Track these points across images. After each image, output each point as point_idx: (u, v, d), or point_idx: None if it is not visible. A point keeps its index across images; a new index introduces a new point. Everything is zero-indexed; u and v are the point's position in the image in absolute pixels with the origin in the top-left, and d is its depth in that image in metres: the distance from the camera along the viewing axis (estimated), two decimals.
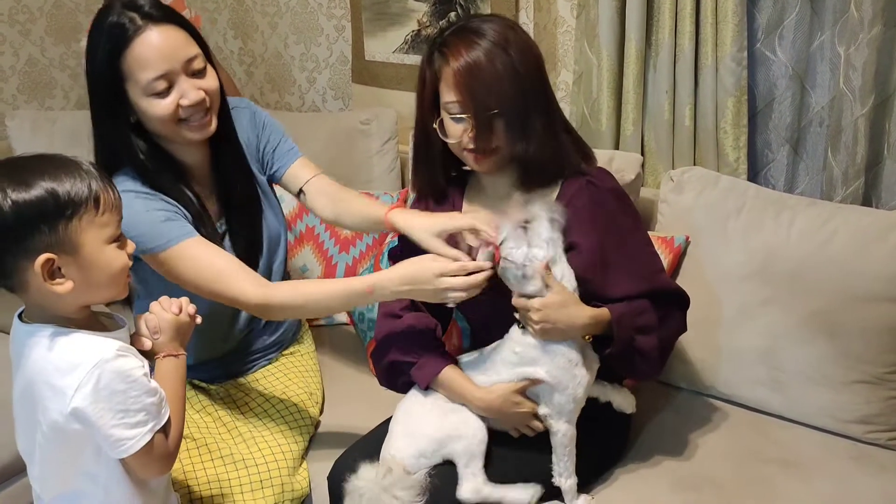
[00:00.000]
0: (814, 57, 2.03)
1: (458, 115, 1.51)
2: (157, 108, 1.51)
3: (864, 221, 1.71)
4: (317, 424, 1.83)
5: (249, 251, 1.72)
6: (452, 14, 2.46)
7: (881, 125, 1.92)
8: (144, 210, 1.54)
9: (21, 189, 1.14)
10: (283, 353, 1.92)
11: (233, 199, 1.71)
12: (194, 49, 1.54)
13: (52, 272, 1.17)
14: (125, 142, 1.57)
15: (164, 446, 1.26)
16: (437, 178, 1.66)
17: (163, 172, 1.60)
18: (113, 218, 1.23)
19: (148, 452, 1.23)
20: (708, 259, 1.84)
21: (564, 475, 1.51)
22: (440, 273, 1.43)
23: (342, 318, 2.26)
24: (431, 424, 1.54)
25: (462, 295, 1.42)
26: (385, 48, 2.64)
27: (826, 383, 1.70)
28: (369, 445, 1.61)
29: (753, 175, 2.15)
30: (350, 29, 2.73)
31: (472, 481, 1.49)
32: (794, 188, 2.14)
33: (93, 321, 1.28)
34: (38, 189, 1.15)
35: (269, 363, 1.87)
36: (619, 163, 1.98)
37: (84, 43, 1.56)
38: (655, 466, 1.64)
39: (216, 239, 1.64)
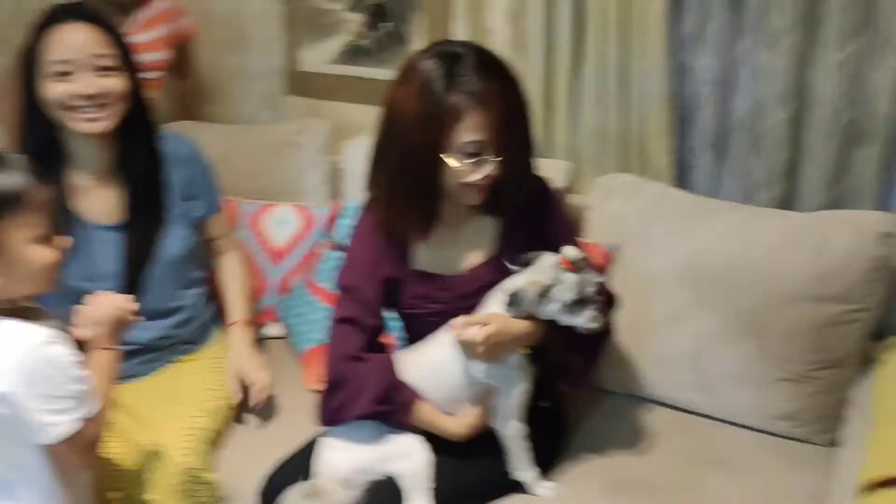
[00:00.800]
0: (736, 64, 2.08)
1: (478, 154, 1.48)
2: (50, 91, 1.65)
3: (785, 223, 1.76)
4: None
5: (140, 253, 1.79)
6: (386, 24, 2.46)
7: (801, 130, 1.97)
8: None
9: None
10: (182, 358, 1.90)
11: (136, 200, 1.80)
12: (107, 50, 1.67)
13: None
14: (23, 120, 1.71)
15: (92, 436, 1.28)
16: (432, 213, 1.58)
17: (45, 155, 1.70)
18: (37, 218, 1.24)
19: (74, 440, 1.24)
20: (636, 264, 1.87)
21: (523, 468, 1.56)
22: None
23: (277, 331, 2.23)
24: (374, 439, 1.54)
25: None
26: (319, 59, 2.63)
27: (752, 383, 1.75)
28: (301, 459, 1.59)
29: (680, 180, 2.19)
30: (283, 40, 2.71)
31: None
32: (717, 192, 2.17)
33: (20, 311, 1.28)
34: None
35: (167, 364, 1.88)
36: (547, 171, 2.00)
37: None
38: (587, 470, 1.66)
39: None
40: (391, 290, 1.63)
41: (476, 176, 1.50)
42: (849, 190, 1.95)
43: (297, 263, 2.21)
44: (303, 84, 2.71)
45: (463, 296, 1.59)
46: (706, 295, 1.77)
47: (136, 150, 1.79)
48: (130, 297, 1.40)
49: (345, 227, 2.10)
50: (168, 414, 1.71)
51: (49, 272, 1.28)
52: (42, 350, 1.21)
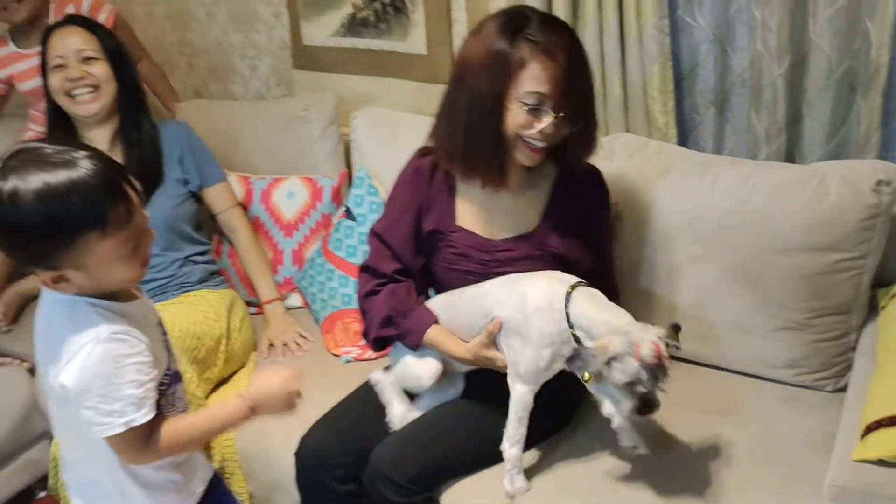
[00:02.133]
0: (732, 21, 2.10)
1: (538, 107, 1.54)
2: (52, 81, 2.07)
3: (782, 176, 1.80)
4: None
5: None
6: None
7: (799, 84, 2.00)
8: None
9: (25, 201, 1.10)
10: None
11: (136, 162, 2.09)
12: (89, 46, 2.07)
13: (56, 280, 1.17)
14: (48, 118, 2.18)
15: (140, 443, 1.23)
16: (498, 161, 1.62)
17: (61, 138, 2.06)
18: (122, 236, 1.16)
19: (119, 444, 1.22)
20: (639, 221, 1.92)
21: (509, 441, 1.56)
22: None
23: (296, 301, 2.31)
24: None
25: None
26: (322, 32, 2.67)
27: (753, 332, 1.80)
28: (334, 421, 1.68)
29: (683, 138, 2.23)
30: (287, 15, 2.75)
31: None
32: (721, 149, 2.22)
33: (117, 292, 1.25)
34: (38, 215, 1.11)
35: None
36: None
37: None
38: (599, 421, 1.72)
39: None
40: (432, 243, 1.70)
41: (534, 130, 1.55)
42: (850, 141, 1.97)
43: (308, 234, 2.28)
44: (308, 58, 2.75)
45: (498, 262, 1.66)
46: (706, 248, 1.82)
47: (133, 123, 2.13)
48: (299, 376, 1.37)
49: (356, 197, 2.16)
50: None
51: (133, 283, 1.26)
52: (104, 346, 1.18)
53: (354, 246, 2.11)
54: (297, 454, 1.65)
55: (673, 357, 1.86)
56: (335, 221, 2.21)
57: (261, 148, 2.44)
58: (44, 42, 2.08)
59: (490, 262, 1.67)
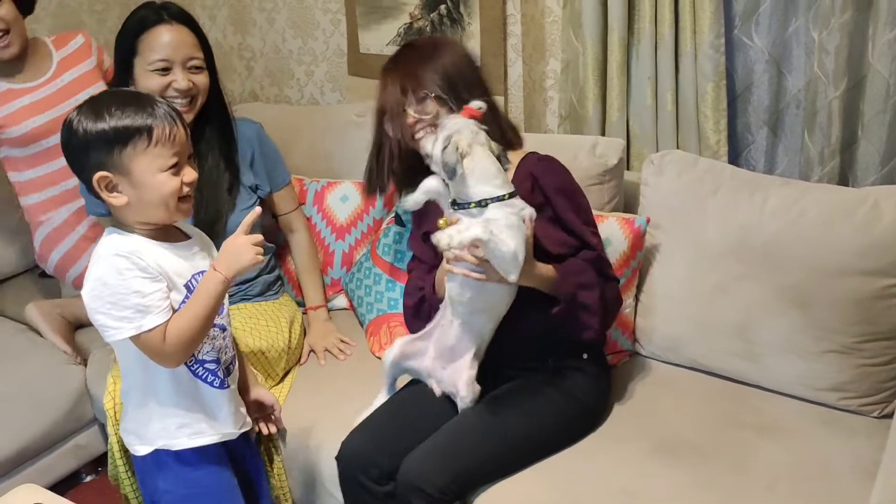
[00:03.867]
0: (789, 42, 2.11)
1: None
2: (151, 83, 1.92)
3: (833, 199, 1.79)
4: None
5: (208, 215, 1.98)
6: (442, 7, 2.54)
7: (855, 106, 1.99)
8: None
9: (90, 119, 1.38)
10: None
11: (210, 173, 2.01)
12: (197, 52, 1.96)
13: (109, 187, 1.40)
14: None
15: (157, 345, 1.40)
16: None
17: None
18: (166, 150, 1.40)
19: (141, 347, 1.41)
20: (687, 238, 1.92)
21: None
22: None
23: (342, 303, 2.35)
24: None
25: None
26: (379, 41, 2.72)
27: (799, 353, 1.79)
28: (373, 424, 1.71)
29: (734, 157, 2.23)
30: (345, 22, 2.81)
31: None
32: (773, 169, 2.22)
33: (163, 233, 1.48)
34: (103, 121, 1.37)
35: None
36: (601, 148, 2.06)
37: None
38: (637, 432, 1.74)
39: None
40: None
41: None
42: None
43: (359, 238, 2.32)
44: (363, 65, 2.80)
45: None
46: (754, 268, 1.82)
47: (212, 133, 2.05)
48: (260, 238, 1.48)
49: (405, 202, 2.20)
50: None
51: (173, 199, 1.42)
52: (111, 260, 1.38)
53: (402, 251, 2.15)
54: (338, 457, 1.69)
55: (717, 376, 1.89)
56: (384, 227, 2.25)
57: (315, 151, 2.49)
58: (137, 32, 1.93)
59: None
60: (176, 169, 1.42)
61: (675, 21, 2.11)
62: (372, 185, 1.91)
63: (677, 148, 2.20)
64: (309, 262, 2.25)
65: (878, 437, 1.66)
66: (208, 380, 1.52)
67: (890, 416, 1.74)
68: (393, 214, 2.24)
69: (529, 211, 1.55)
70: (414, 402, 1.74)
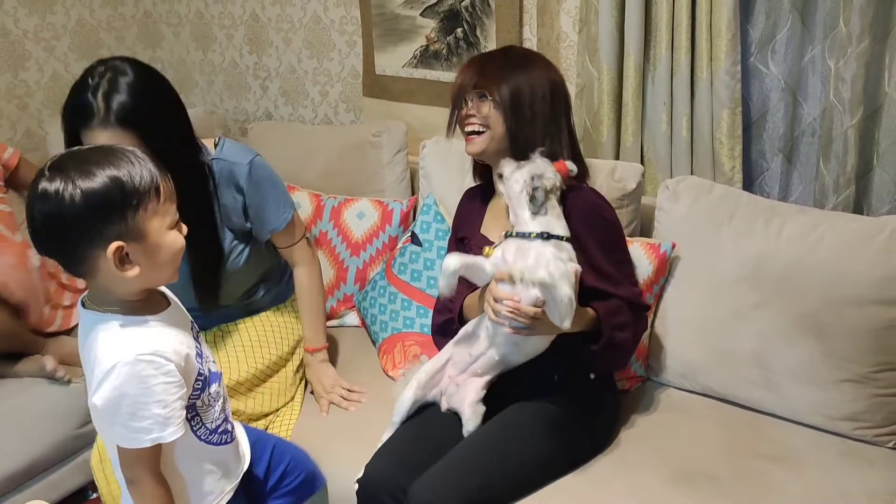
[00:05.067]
0: (805, 70, 2.12)
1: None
2: None
3: (850, 227, 1.79)
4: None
5: (204, 269, 1.89)
6: (459, 30, 2.56)
7: (871, 135, 2.00)
8: None
9: (88, 180, 1.21)
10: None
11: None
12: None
13: (122, 258, 1.25)
14: None
15: (150, 460, 1.31)
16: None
17: None
18: (171, 206, 1.31)
19: (133, 454, 1.30)
20: (702, 264, 1.92)
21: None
22: None
23: (354, 320, 2.35)
24: None
25: None
26: (395, 63, 2.74)
27: (815, 382, 1.78)
28: (401, 448, 1.69)
29: (749, 184, 2.23)
30: (361, 44, 2.83)
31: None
32: (788, 196, 2.22)
33: (150, 302, 1.36)
34: (105, 180, 1.22)
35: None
36: (620, 172, 2.07)
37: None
38: (651, 459, 1.72)
39: None
40: (462, 249, 1.85)
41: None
42: None
43: (373, 255, 2.33)
44: (378, 87, 2.82)
45: None
46: (770, 296, 1.81)
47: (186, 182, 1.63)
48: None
49: (423, 223, 2.21)
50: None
51: (179, 256, 1.34)
52: (130, 367, 1.25)
53: (419, 271, 2.15)
54: (361, 481, 1.66)
55: (732, 403, 1.88)
56: (400, 245, 2.25)
57: (330, 169, 2.51)
58: (77, 126, 1.69)
59: None
60: (178, 224, 1.34)
61: (691, 47, 2.12)
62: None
63: (692, 174, 2.20)
64: (308, 300, 2.06)
65: (893, 468, 1.66)
66: (222, 442, 1.46)
67: None
68: (409, 234, 2.25)
69: (577, 266, 1.58)
70: (435, 423, 1.72)
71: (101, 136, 1.65)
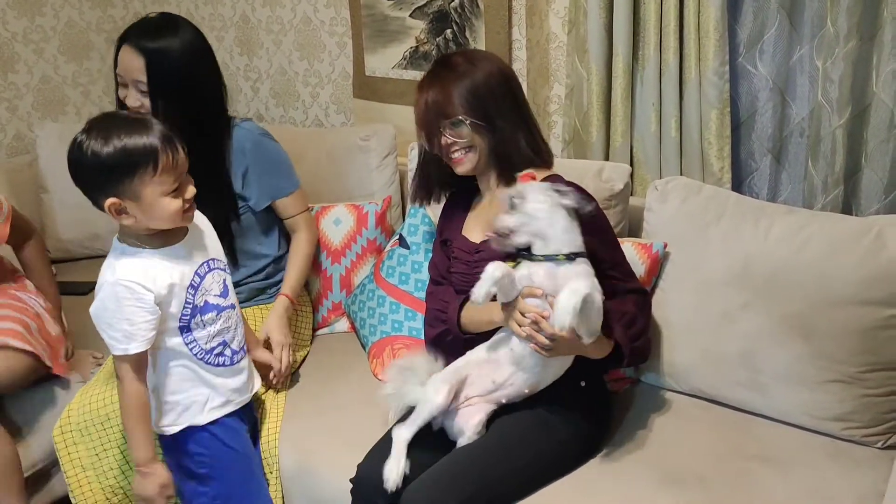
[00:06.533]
0: (793, 70, 2.12)
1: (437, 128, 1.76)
2: (120, 92, 2.03)
3: (838, 228, 1.79)
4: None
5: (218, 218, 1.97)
6: (448, 31, 2.56)
7: (859, 135, 2.00)
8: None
9: (100, 143, 1.51)
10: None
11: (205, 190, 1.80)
12: (143, 76, 1.95)
13: (119, 210, 1.55)
14: None
15: (127, 373, 1.61)
16: (443, 184, 1.93)
17: None
18: (169, 177, 1.56)
19: (116, 363, 1.63)
20: (690, 265, 1.92)
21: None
22: None
23: (344, 326, 2.35)
24: None
25: None
26: (385, 64, 2.74)
27: (803, 383, 1.78)
28: (388, 446, 1.67)
29: (738, 184, 2.24)
30: (351, 46, 2.83)
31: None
32: (776, 197, 2.22)
33: (164, 236, 1.64)
34: (112, 149, 1.51)
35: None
36: (608, 173, 2.07)
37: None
38: (641, 461, 1.73)
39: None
40: (446, 251, 1.89)
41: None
42: None
43: (354, 259, 2.32)
44: (368, 88, 2.82)
45: (476, 263, 1.76)
46: (758, 296, 1.81)
47: (205, 148, 1.99)
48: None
49: (410, 226, 2.21)
50: None
51: (177, 215, 1.59)
52: (112, 287, 1.57)
53: (407, 274, 2.15)
54: (354, 480, 1.67)
55: (721, 404, 1.88)
56: (388, 249, 2.25)
57: (319, 174, 2.50)
58: (118, 46, 2.00)
59: (470, 262, 1.80)
60: (178, 191, 1.58)
61: (679, 48, 2.12)
62: (420, 197, 1.95)
63: (681, 174, 2.20)
64: (298, 253, 2.18)
65: (881, 469, 1.65)
66: (218, 364, 1.72)
67: (893, 447, 1.73)
68: (396, 237, 2.25)
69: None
70: (428, 424, 1.71)
71: (123, 50, 1.97)
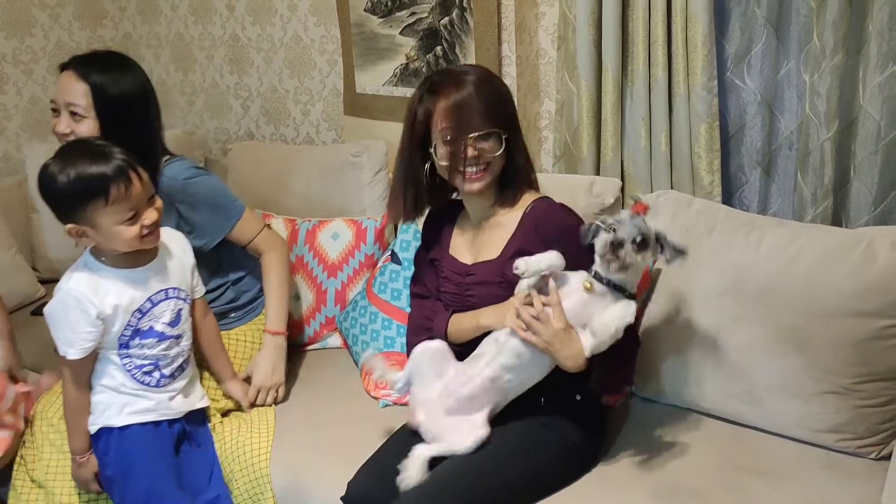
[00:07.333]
0: (781, 84, 2.14)
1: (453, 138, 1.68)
2: (53, 121, 1.98)
3: (828, 240, 1.79)
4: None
5: None
6: (438, 48, 2.57)
7: (847, 148, 2.01)
8: None
9: (64, 174, 1.62)
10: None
11: None
12: (79, 99, 1.91)
13: (79, 234, 1.67)
14: None
15: (67, 375, 1.75)
16: (422, 202, 1.84)
17: None
18: (122, 207, 1.64)
19: (61, 361, 1.73)
20: (683, 279, 1.92)
21: None
22: None
23: (336, 341, 2.34)
24: None
25: None
26: (375, 81, 2.75)
27: (797, 395, 1.78)
28: (377, 464, 1.69)
29: (728, 197, 2.25)
30: (342, 63, 2.84)
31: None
32: (766, 209, 2.23)
33: (129, 258, 1.73)
34: (70, 180, 1.61)
35: None
36: (599, 187, 2.07)
37: None
38: (636, 475, 1.72)
39: None
40: (434, 269, 1.87)
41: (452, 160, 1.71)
42: None
43: (350, 275, 2.32)
44: (359, 105, 2.82)
45: (467, 285, 1.76)
46: (750, 309, 1.82)
47: None
48: None
49: (402, 242, 2.21)
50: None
51: (135, 241, 1.68)
52: (63, 295, 1.69)
53: (399, 290, 2.15)
54: (344, 498, 1.66)
55: (716, 417, 1.88)
56: (380, 265, 2.25)
57: (311, 191, 2.50)
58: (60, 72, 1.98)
59: (462, 284, 1.79)
60: (134, 219, 1.66)
61: (668, 63, 2.13)
62: (403, 215, 1.85)
63: (671, 188, 2.21)
64: (276, 280, 2.08)
65: (876, 480, 1.65)
66: (144, 381, 1.79)
67: (888, 457, 1.72)
68: (389, 253, 2.24)
69: None
70: (418, 439, 1.70)
71: (61, 76, 1.95)
